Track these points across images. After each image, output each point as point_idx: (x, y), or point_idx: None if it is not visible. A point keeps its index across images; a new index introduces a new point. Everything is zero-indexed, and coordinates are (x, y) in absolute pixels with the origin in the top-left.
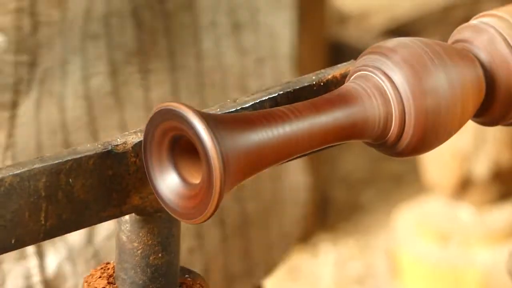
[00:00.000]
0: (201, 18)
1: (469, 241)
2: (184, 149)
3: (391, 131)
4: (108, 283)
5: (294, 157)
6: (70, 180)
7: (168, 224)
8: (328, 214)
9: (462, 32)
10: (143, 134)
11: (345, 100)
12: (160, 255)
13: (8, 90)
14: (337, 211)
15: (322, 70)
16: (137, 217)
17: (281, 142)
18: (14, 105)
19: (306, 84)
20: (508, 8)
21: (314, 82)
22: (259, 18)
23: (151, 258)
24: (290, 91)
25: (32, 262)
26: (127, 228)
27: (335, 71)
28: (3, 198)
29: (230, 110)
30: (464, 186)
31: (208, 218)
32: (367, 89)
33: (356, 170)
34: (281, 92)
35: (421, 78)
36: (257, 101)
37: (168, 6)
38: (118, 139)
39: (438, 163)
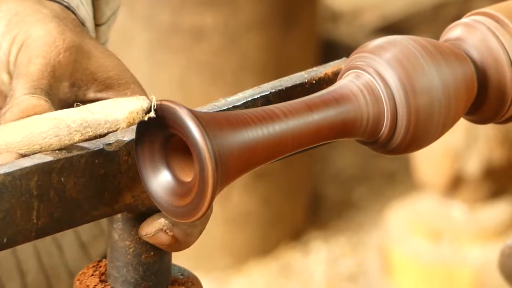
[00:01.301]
0: None
1: (461, 238)
2: (176, 147)
3: (383, 130)
4: (100, 281)
5: (287, 155)
6: (62, 179)
7: None
8: (320, 212)
9: (453, 30)
10: (135, 132)
11: (337, 98)
12: (152, 253)
13: None
14: (329, 209)
15: (314, 68)
16: (129, 215)
17: (273, 140)
18: None
19: (298, 82)
20: (500, 6)
21: (306, 80)
22: None
23: (143, 256)
24: (282, 89)
25: None
26: (119, 227)
27: (327, 69)
28: None
29: (222, 109)
30: (456, 184)
31: (201, 216)
32: (359, 87)
33: (348, 167)
34: (273, 91)
35: (413, 76)
36: (249, 100)
37: None
38: (110, 138)
39: (430, 161)
